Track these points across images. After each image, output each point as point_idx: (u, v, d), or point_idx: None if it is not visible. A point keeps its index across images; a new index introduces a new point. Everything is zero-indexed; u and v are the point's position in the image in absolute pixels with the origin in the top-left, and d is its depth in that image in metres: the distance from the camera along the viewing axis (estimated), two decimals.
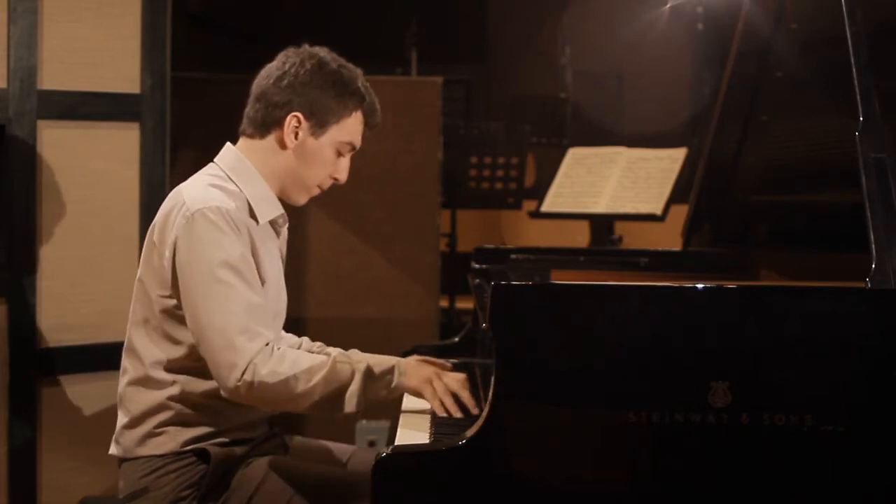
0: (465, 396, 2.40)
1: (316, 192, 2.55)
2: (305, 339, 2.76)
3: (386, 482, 2.01)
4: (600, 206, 4.33)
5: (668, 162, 4.31)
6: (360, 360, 2.34)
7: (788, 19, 2.94)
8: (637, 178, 4.32)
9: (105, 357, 3.44)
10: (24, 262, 3.40)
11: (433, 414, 2.44)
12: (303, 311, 4.56)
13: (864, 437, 1.99)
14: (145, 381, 2.41)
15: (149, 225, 2.47)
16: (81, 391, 3.50)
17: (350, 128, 2.49)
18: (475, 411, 2.37)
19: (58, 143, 3.46)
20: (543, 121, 6.58)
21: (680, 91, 7.17)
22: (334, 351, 2.36)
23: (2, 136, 3.36)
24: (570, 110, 6.69)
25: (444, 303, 5.20)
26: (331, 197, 4.68)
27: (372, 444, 4.41)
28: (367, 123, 2.53)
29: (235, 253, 2.32)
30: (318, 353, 2.68)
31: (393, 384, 2.35)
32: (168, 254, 2.35)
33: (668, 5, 5.50)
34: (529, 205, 4.93)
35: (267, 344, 2.29)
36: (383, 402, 2.39)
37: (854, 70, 2.22)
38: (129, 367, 2.45)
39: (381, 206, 4.69)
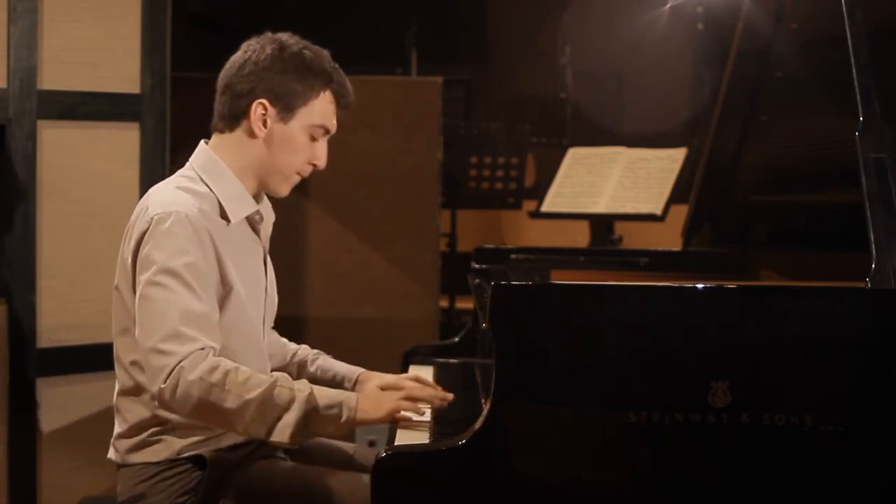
0: (431, 395, 2.39)
1: (296, 179, 2.46)
2: (304, 347, 2.72)
3: (386, 482, 2.01)
4: (600, 206, 4.33)
5: (668, 162, 4.31)
6: (303, 388, 2.21)
7: (788, 19, 2.94)
8: (637, 178, 4.33)
9: (105, 357, 3.41)
10: (24, 262, 3.40)
11: (433, 414, 2.44)
12: (302, 311, 4.56)
13: (864, 437, 1.99)
14: (135, 391, 2.37)
15: None
16: (81, 391, 3.50)
17: (320, 110, 2.41)
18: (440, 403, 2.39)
19: (58, 143, 3.46)
20: (543, 121, 6.58)
21: (680, 91, 7.17)
22: (279, 374, 2.25)
23: (2, 136, 3.36)
24: (570, 110, 6.70)
25: (444, 303, 5.20)
26: (331, 197, 4.72)
27: (372, 444, 4.40)
28: (339, 103, 2.44)
29: (183, 260, 2.24)
30: (296, 363, 2.67)
31: (342, 419, 2.21)
32: (131, 260, 2.32)
33: (668, 5, 5.50)
34: (529, 205, 4.93)
35: (202, 349, 2.19)
36: (333, 436, 2.29)
37: (854, 70, 2.22)
38: (118, 377, 2.42)
39: (381, 206, 4.69)
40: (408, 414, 2.33)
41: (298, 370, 2.67)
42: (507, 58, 7.61)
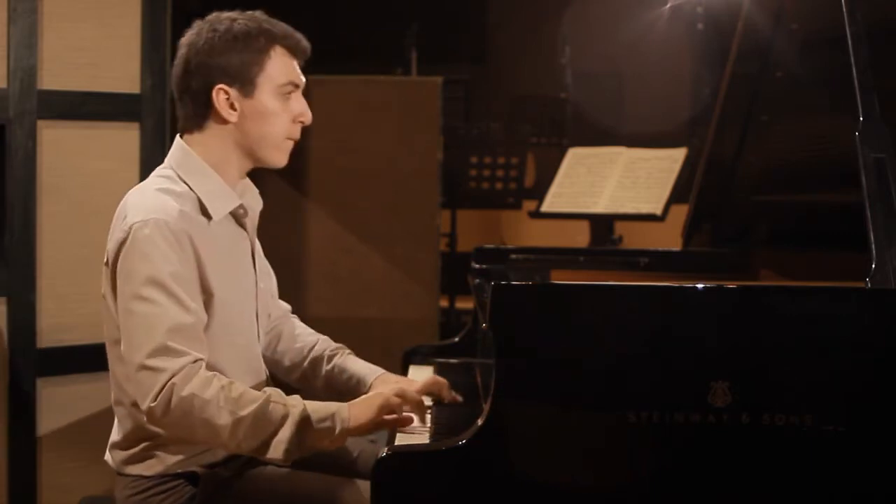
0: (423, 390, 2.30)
1: (289, 144, 2.39)
2: (323, 340, 2.68)
3: (386, 482, 2.01)
4: (600, 206, 4.34)
5: (668, 162, 4.31)
6: (296, 404, 2.16)
7: (788, 19, 2.94)
8: (637, 178, 4.33)
9: (105, 357, 3.44)
10: (24, 262, 3.40)
11: (433, 413, 2.44)
12: (302, 311, 4.51)
13: (865, 437, 1.99)
14: (126, 403, 2.32)
15: None
16: (81, 391, 3.50)
17: (278, 69, 2.34)
18: (455, 399, 2.27)
19: (58, 143, 3.46)
20: (543, 121, 6.59)
21: (680, 91, 7.18)
22: (271, 390, 2.21)
23: (2, 136, 3.36)
24: (570, 110, 6.70)
25: (444, 303, 5.21)
26: (331, 197, 4.72)
27: (372, 444, 4.40)
28: (294, 54, 2.37)
29: (166, 270, 2.18)
30: (317, 356, 2.65)
31: (336, 431, 2.18)
32: (110, 268, 2.26)
33: (668, 5, 5.50)
34: (529, 205, 4.94)
35: (194, 362, 2.14)
36: (326, 450, 2.21)
37: (854, 70, 2.22)
38: (112, 385, 2.36)
39: (381, 206, 4.69)
40: (411, 426, 2.31)
41: (313, 367, 2.63)
42: (507, 58, 7.63)
